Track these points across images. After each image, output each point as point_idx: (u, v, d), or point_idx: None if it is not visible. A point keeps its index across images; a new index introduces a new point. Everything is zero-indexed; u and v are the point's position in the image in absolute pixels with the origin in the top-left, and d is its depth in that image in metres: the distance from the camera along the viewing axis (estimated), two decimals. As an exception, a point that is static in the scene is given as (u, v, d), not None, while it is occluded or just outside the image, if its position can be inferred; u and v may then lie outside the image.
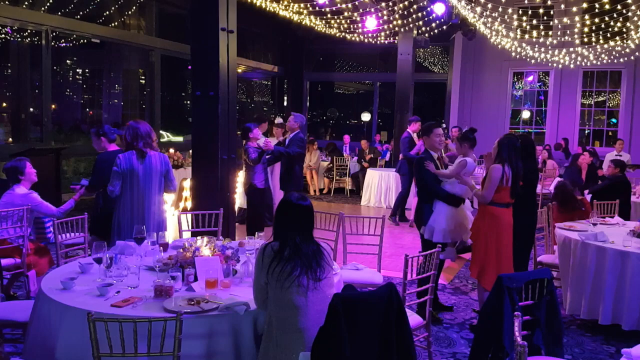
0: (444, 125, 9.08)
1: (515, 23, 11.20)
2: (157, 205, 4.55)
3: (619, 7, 9.48)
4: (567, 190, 6.26)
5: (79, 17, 9.63)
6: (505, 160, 4.61)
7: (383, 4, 9.60)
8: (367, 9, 9.83)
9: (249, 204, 6.90)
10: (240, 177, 9.21)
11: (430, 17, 10.22)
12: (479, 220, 4.74)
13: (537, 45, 12.27)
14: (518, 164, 4.65)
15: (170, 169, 4.62)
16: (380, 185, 11.10)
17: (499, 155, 4.64)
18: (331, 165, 12.93)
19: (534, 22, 11.82)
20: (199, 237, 3.78)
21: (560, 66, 12.76)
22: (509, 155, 4.61)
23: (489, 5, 9.67)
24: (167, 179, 4.58)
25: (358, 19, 10.38)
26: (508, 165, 4.60)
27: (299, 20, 10.80)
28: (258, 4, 9.28)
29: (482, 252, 4.63)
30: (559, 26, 11.58)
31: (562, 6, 10.70)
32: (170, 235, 6.46)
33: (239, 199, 9.04)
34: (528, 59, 12.43)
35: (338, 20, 10.70)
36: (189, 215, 5.09)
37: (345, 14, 10.06)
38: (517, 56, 12.25)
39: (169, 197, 8.30)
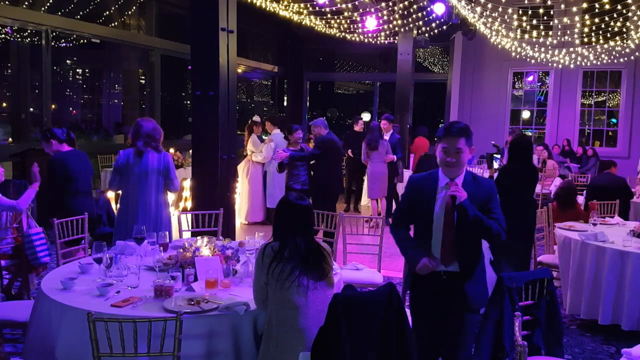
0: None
1: (515, 23, 11.19)
2: (154, 205, 4.53)
3: (619, 7, 9.47)
4: (570, 191, 6.26)
5: (79, 17, 9.64)
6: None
7: (383, 4, 9.59)
8: (367, 9, 9.83)
9: None
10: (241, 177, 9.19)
11: (430, 17, 10.21)
12: None
13: (537, 45, 12.25)
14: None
15: (171, 168, 4.59)
16: (380, 185, 11.04)
17: None
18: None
19: (534, 22, 11.80)
20: (199, 237, 3.78)
21: (560, 66, 12.75)
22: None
23: (489, 5, 9.65)
24: (167, 179, 4.58)
25: (358, 19, 10.37)
26: None
27: (299, 20, 10.79)
28: (258, 4, 9.26)
29: None
30: (559, 26, 11.56)
31: (562, 6, 10.68)
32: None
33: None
34: (528, 59, 12.41)
35: (338, 20, 10.69)
36: (189, 215, 5.09)
37: (345, 14, 10.05)
38: (517, 56, 12.24)
39: (169, 197, 8.27)
